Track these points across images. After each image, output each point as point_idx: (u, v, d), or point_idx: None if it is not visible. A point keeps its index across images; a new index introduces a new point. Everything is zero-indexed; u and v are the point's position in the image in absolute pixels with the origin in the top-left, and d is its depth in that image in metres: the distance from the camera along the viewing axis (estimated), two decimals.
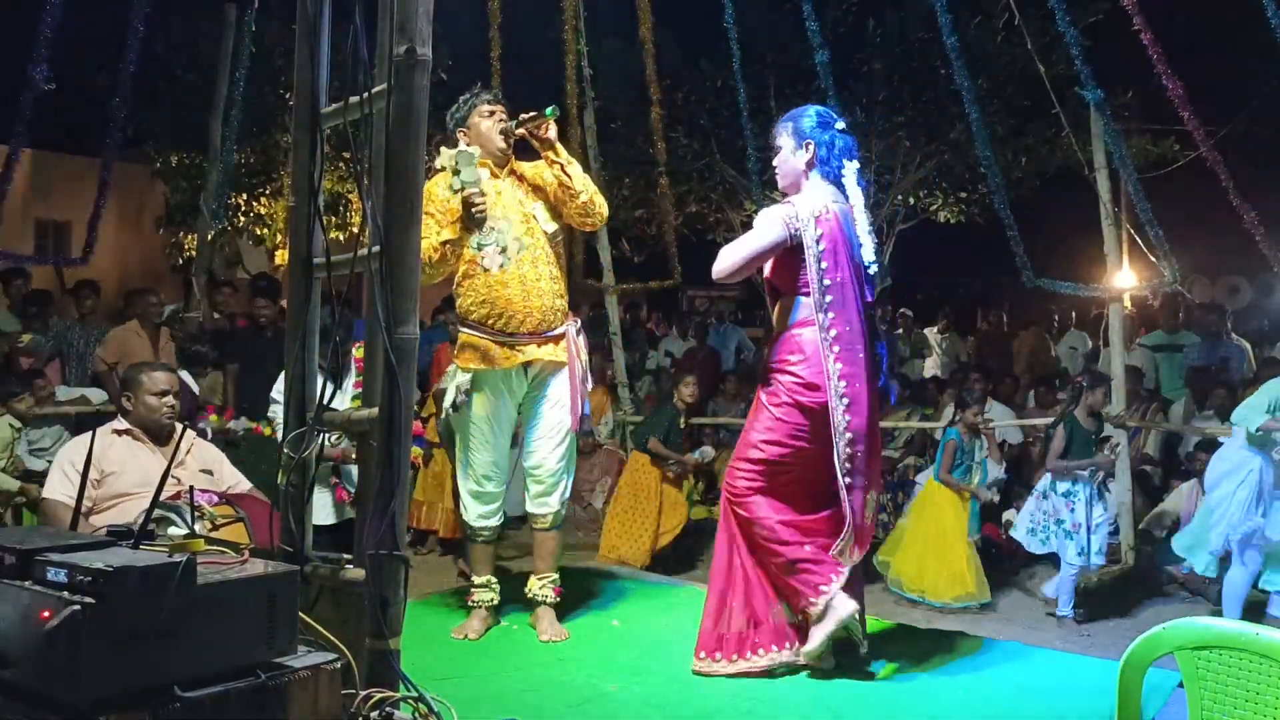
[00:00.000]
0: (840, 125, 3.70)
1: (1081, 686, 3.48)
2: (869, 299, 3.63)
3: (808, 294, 3.52)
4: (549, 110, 3.72)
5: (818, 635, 3.46)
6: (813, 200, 3.56)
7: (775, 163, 3.74)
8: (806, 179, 3.66)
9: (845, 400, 3.45)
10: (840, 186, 3.63)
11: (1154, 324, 9.48)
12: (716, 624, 3.56)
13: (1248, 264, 10.70)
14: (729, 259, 3.57)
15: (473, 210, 3.59)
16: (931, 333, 11.61)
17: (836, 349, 3.45)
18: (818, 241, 3.48)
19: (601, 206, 3.94)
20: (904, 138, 11.28)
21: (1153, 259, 6.64)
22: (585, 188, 3.86)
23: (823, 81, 6.81)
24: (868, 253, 3.63)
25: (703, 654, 3.56)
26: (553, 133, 3.75)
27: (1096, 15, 9.42)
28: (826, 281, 3.48)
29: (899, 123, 11.21)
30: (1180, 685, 2.25)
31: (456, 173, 3.55)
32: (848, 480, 3.46)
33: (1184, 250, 7.04)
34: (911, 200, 12.46)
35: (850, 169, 3.65)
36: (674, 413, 6.52)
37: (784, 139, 3.71)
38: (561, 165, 3.80)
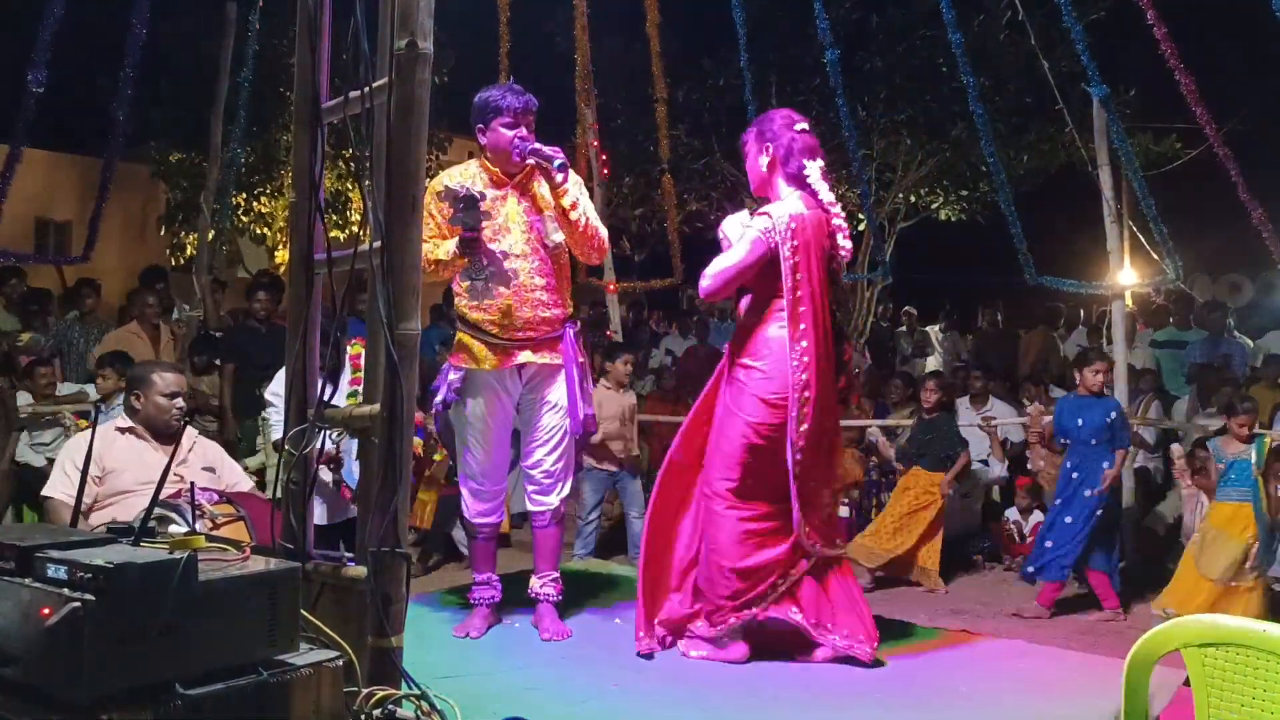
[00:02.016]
0: (801, 126, 3.72)
1: (1086, 685, 3.46)
2: (835, 302, 3.70)
3: (778, 296, 3.58)
4: (557, 163, 3.69)
5: (699, 650, 3.66)
6: (786, 208, 3.59)
7: (747, 166, 3.82)
8: (771, 183, 3.73)
9: (804, 410, 3.54)
10: (805, 187, 3.66)
11: (1153, 321, 9.47)
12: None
13: (1249, 261, 10.68)
14: (717, 280, 3.63)
15: (465, 251, 3.60)
16: (933, 330, 11.59)
17: (806, 359, 3.53)
18: (793, 253, 3.53)
19: (601, 245, 3.90)
20: (905, 136, 11.28)
21: (1155, 256, 6.64)
22: (586, 227, 3.79)
23: (830, 79, 6.79)
24: (842, 251, 3.68)
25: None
26: (561, 178, 3.71)
27: (1099, 13, 9.42)
28: (799, 292, 3.53)
29: (900, 120, 11.20)
30: (1186, 683, 2.24)
31: (460, 214, 3.54)
32: (796, 484, 3.57)
33: (1185, 247, 7.02)
34: (912, 198, 12.46)
35: (813, 168, 3.66)
36: None
37: (750, 144, 3.78)
38: (564, 209, 3.77)
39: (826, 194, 3.67)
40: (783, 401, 3.56)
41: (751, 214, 3.72)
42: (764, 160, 3.72)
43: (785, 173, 3.68)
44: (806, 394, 3.53)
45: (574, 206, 3.74)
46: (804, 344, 3.53)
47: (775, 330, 3.60)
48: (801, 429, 3.53)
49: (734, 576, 3.61)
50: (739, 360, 3.68)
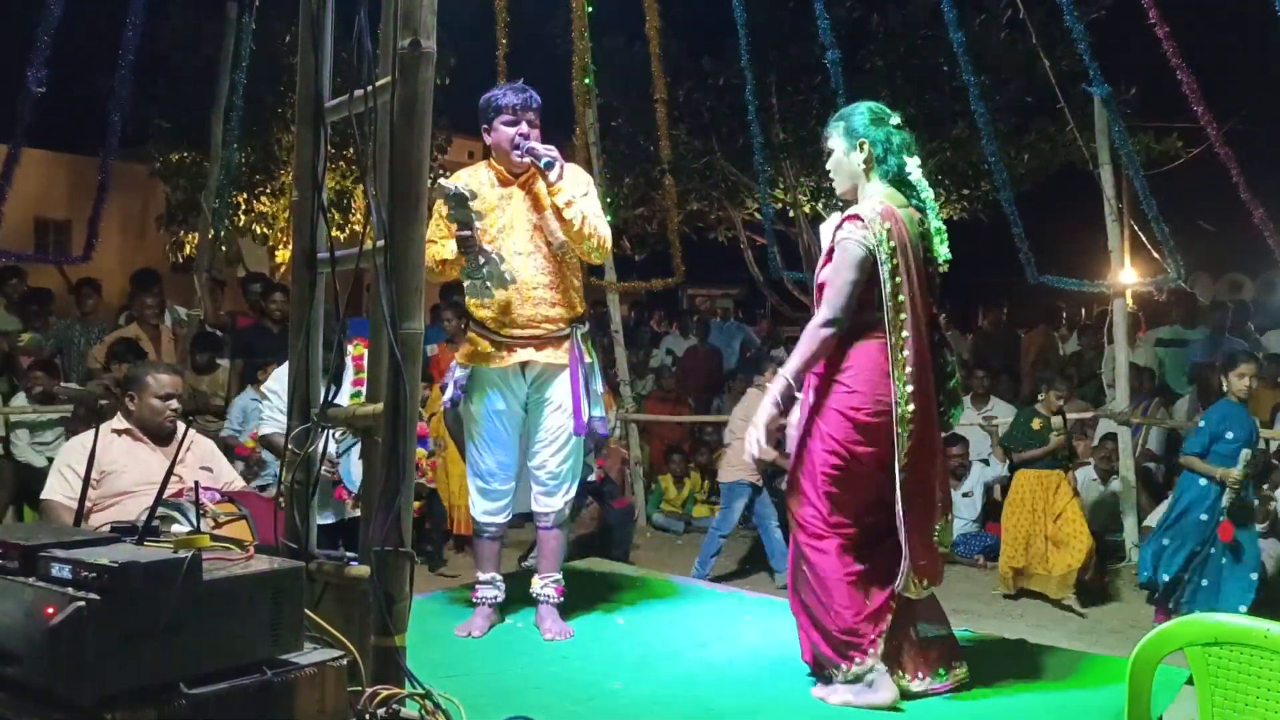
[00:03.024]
0: (896, 121, 3.44)
1: (1090, 683, 3.46)
2: (934, 306, 3.41)
3: (867, 305, 3.26)
4: (544, 162, 3.68)
5: (865, 699, 3.22)
6: (875, 205, 3.28)
7: (829, 166, 3.51)
8: (867, 181, 3.42)
9: (910, 425, 3.19)
10: (904, 185, 3.39)
11: (1155, 323, 9.47)
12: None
13: (1250, 261, 10.68)
14: (838, 308, 3.24)
15: (462, 249, 3.60)
16: None
17: (909, 370, 3.21)
18: (890, 255, 3.21)
19: (601, 244, 3.83)
20: None
21: (1155, 255, 6.64)
22: (581, 226, 3.74)
23: (831, 79, 6.80)
24: (940, 252, 3.39)
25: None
26: (553, 175, 3.70)
27: (1099, 12, 9.43)
28: (901, 298, 3.22)
29: (901, 120, 11.22)
30: (1189, 682, 2.24)
31: (452, 211, 3.54)
32: (905, 506, 3.21)
33: (1186, 246, 7.03)
34: None
35: (914, 165, 3.38)
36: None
37: (835, 140, 3.46)
38: (558, 207, 3.75)
39: (926, 192, 3.40)
40: (869, 418, 3.22)
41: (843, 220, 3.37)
42: (857, 157, 3.40)
43: (881, 170, 3.38)
44: (910, 407, 3.18)
45: (569, 204, 3.72)
46: (906, 353, 3.20)
47: (863, 340, 3.26)
48: (907, 446, 3.18)
49: (849, 619, 3.22)
50: (818, 369, 3.32)
